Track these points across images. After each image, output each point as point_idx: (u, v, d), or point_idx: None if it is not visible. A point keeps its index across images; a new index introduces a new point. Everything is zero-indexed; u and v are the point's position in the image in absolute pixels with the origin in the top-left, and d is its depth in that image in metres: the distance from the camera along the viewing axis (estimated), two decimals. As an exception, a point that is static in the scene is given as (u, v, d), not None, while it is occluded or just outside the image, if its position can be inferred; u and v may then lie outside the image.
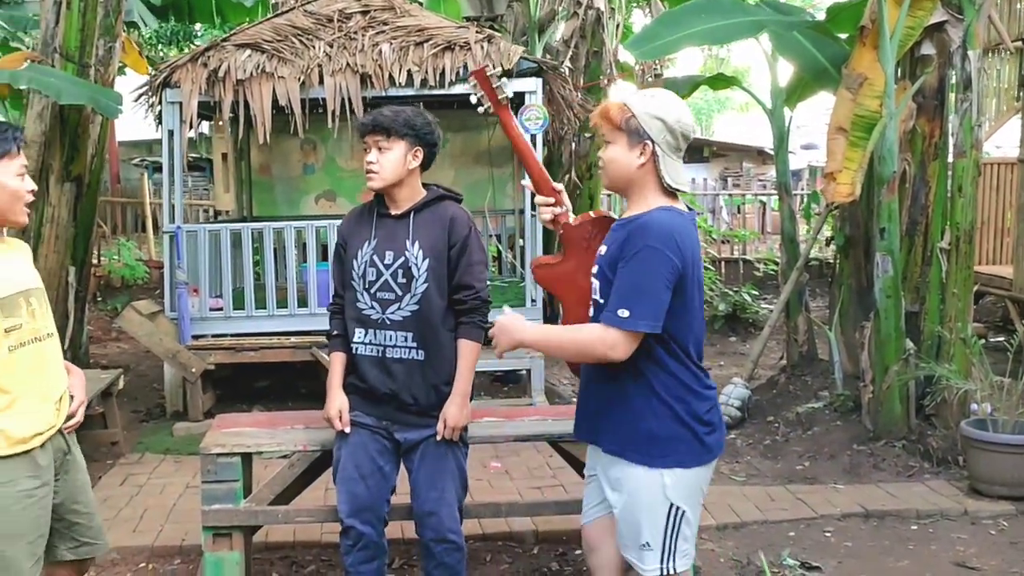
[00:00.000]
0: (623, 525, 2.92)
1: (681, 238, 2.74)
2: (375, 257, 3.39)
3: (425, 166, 3.45)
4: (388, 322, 3.37)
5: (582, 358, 2.94)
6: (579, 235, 3.18)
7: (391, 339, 3.38)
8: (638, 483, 2.84)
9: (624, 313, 2.68)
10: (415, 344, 3.36)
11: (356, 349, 3.44)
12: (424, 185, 3.51)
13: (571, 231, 3.20)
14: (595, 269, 2.90)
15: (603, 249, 2.89)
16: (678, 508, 2.83)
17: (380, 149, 3.34)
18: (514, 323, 2.89)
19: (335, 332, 3.53)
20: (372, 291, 3.39)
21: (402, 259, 3.36)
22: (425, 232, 3.39)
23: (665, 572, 2.87)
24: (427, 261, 3.36)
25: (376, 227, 3.44)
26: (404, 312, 3.36)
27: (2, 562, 2.75)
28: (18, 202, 2.84)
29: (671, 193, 2.85)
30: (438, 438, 3.39)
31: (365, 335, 3.41)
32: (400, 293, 3.36)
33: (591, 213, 3.25)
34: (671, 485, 2.81)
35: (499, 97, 3.26)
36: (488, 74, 3.19)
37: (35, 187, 2.93)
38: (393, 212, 3.45)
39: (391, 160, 3.35)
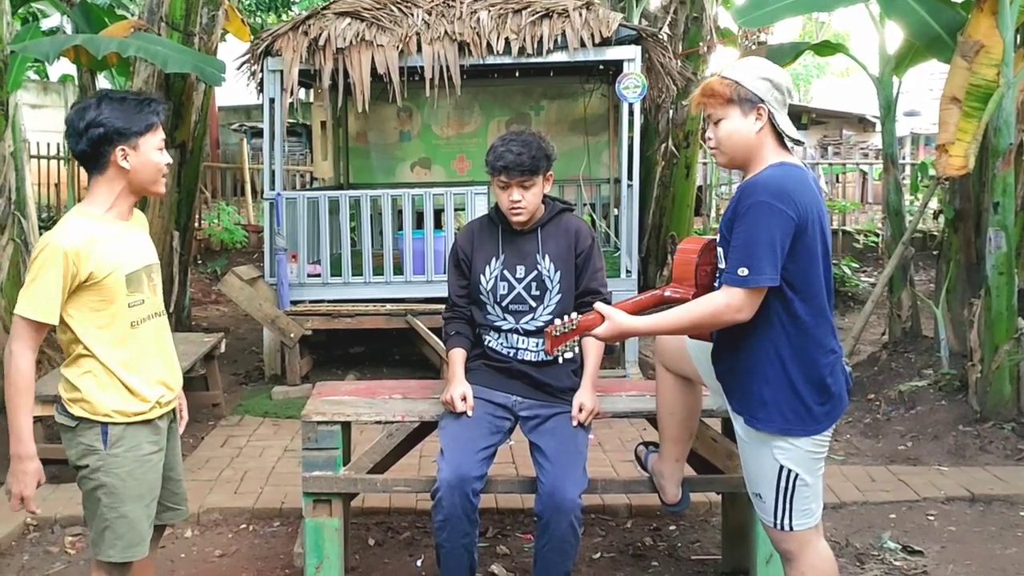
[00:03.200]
0: (743, 466, 3.00)
1: (795, 189, 2.71)
2: (506, 272, 3.55)
3: None
4: (521, 330, 3.55)
5: (709, 328, 2.88)
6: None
7: (523, 343, 3.55)
8: (752, 441, 2.88)
9: (743, 271, 2.68)
10: (543, 347, 3.49)
11: (488, 342, 3.60)
12: None
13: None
14: (718, 238, 2.89)
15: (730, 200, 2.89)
16: (790, 471, 2.83)
17: (526, 187, 3.45)
18: (618, 313, 2.87)
19: (454, 332, 3.66)
20: (504, 304, 3.55)
21: (535, 272, 3.54)
22: (553, 245, 3.56)
23: (780, 527, 2.88)
24: (559, 273, 3.55)
25: (503, 243, 3.58)
26: (538, 322, 3.54)
27: (126, 522, 2.87)
28: (158, 174, 2.91)
29: (786, 149, 2.83)
30: (574, 423, 3.47)
31: (498, 337, 3.59)
32: (534, 305, 3.54)
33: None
34: (780, 450, 2.82)
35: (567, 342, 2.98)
36: (555, 335, 2.93)
37: (171, 160, 3.01)
38: (519, 228, 3.57)
39: (535, 194, 3.50)
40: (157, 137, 2.87)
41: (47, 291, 2.71)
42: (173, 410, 3.09)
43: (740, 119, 2.79)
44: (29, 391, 2.75)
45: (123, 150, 2.81)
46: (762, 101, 2.77)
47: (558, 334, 2.87)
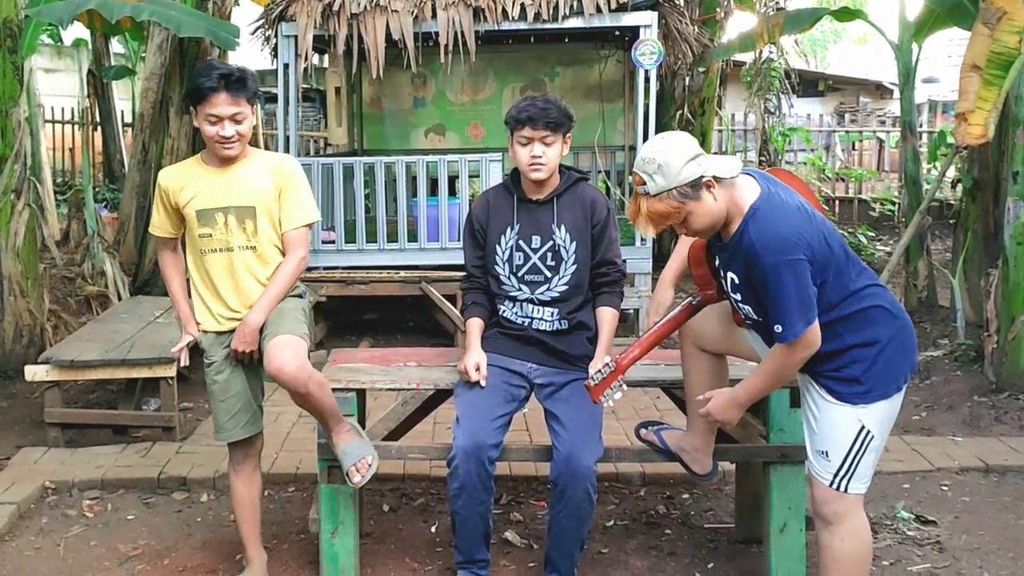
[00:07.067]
0: (808, 426, 3.00)
1: (788, 229, 2.72)
2: (521, 242, 3.54)
3: None
4: (537, 300, 3.54)
5: (791, 379, 3.03)
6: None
7: (538, 312, 3.54)
8: (835, 403, 2.89)
9: (778, 328, 2.74)
10: (559, 317, 3.53)
11: (502, 312, 3.60)
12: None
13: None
14: (732, 281, 2.90)
15: (725, 259, 2.90)
16: (868, 431, 2.86)
17: (547, 144, 3.43)
18: (724, 396, 3.00)
19: (471, 301, 3.67)
20: (519, 274, 3.54)
21: (550, 243, 3.52)
22: (569, 216, 3.53)
23: (837, 487, 2.90)
24: (574, 244, 3.52)
25: (518, 213, 3.56)
26: (553, 293, 3.53)
27: (220, 411, 3.51)
28: (211, 142, 3.29)
29: (744, 183, 2.83)
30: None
31: (513, 307, 3.58)
32: (549, 275, 3.53)
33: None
34: (866, 411, 2.85)
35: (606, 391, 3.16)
36: (593, 384, 3.14)
37: (226, 133, 3.26)
38: (534, 197, 3.54)
39: (556, 152, 3.46)
40: (206, 109, 3.21)
41: (155, 212, 3.47)
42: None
43: (698, 206, 2.77)
44: (176, 276, 3.55)
45: (193, 113, 3.31)
46: (700, 178, 2.75)
47: (596, 383, 3.01)
